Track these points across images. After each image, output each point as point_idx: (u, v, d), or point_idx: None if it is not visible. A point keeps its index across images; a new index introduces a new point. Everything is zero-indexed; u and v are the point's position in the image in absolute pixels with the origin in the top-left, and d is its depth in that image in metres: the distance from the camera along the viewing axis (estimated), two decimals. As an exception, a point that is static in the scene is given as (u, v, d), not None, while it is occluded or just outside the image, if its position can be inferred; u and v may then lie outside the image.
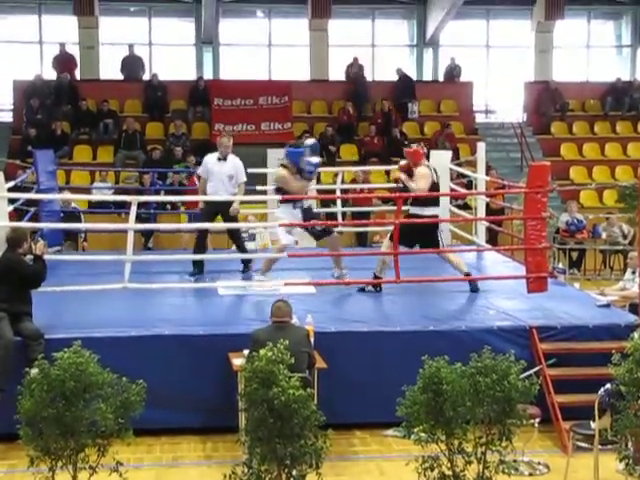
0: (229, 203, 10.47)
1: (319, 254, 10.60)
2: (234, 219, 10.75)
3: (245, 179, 10.85)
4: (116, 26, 21.32)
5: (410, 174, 10.03)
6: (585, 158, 19.67)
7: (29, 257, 8.32)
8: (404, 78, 20.27)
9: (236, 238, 11.10)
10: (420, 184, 9.89)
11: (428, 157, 13.05)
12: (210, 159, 10.83)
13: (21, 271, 8.10)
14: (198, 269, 10.60)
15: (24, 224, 10.58)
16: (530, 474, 7.34)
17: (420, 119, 20.11)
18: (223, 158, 10.69)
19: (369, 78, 21.10)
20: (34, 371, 5.45)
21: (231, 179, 10.63)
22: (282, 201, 9.92)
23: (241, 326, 8.29)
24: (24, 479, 5.39)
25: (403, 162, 10.45)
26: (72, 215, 13.34)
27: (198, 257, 10.62)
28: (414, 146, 10.72)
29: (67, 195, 13.48)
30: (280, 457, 5.21)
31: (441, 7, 20.71)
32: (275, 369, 5.23)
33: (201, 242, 10.92)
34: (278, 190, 10.02)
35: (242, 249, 11.04)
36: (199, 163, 16.96)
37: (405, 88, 20.04)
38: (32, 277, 8.16)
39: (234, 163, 10.76)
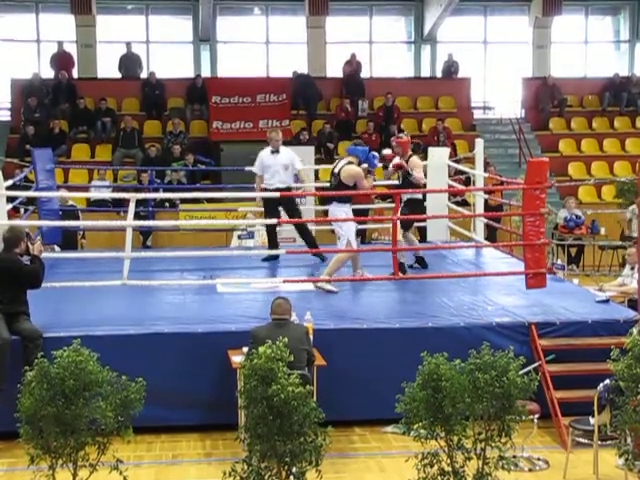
0: (288, 190, 10.92)
1: (318, 250, 10.62)
2: (294, 208, 11.08)
3: (301, 166, 11.37)
4: (113, 24, 21.34)
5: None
6: (583, 154, 19.66)
7: (26, 257, 8.26)
8: (353, 75, 20.06)
9: (301, 231, 11.28)
10: (421, 173, 10.69)
11: (426, 154, 13.15)
12: (264, 154, 11.27)
13: (19, 272, 8.03)
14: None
15: (22, 222, 10.60)
16: (530, 470, 7.35)
17: (418, 115, 20.12)
18: (276, 151, 11.15)
19: (367, 75, 21.13)
20: (31, 374, 5.45)
21: (286, 169, 11.13)
22: (342, 200, 9.85)
23: (240, 324, 8.30)
24: (24, 477, 5.39)
25: (387, 151, 10.86)
26: (70, 213, 13.36)
27: (192, 254, 10.79)
28: (403, 136, 11.09)
29: (64, 193, 13.50)
30: (280, 454, 5.22)
31: (438, 3, 20.70)
32: (274, 366, 5.24)
33: (273, 237, 11.27)
34: (345, 187, 9.85)
35: (309, 242, 11.21)
36: (197, 161, 17.21)
37: (355, 86, 19.87)
38: (30, 277, 8.10)
39: (288, 154, 11.27)
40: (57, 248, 12.58)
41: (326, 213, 10.83)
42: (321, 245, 11.52)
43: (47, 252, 11.23)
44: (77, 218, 13.50)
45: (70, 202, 13.84)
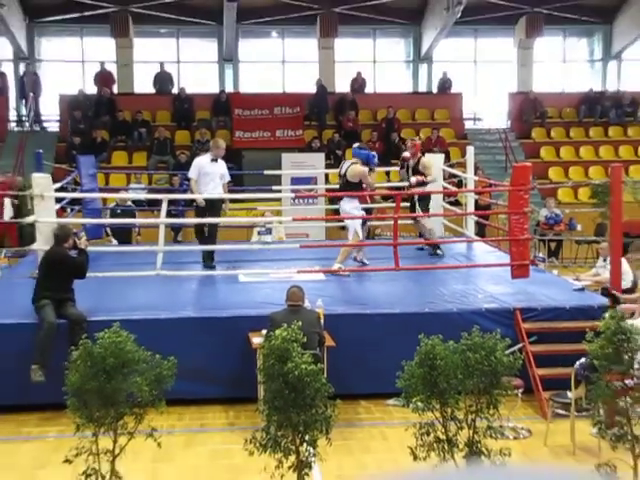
0: (218, 200, 10.47)
1: (328, 245, 10.60)
2: (217, 216, 10.58)
3: (230, 179, 10.91)
4: (148, 46, 21.37)
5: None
6: (562, 160, 19.57)
7: (73, 251, 8.38)
8: (348, 94, 19.83)
9: (212, 235, 10.67)
10: (432, 174, 11.29)
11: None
12: (203, 161, 10.59)
13: (68, 263, 8.19)
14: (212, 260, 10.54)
15: (69, 220, 10.63)
16: (514, 438, 7.34)
17: (416, 126, 20.07)
18: (215, 160, 10.61)
19: (371, 90, 21.08)
20: (76, 353, 5.46)
21: (222, 178, 10.65)
22: (350, 196, 10.05)
23: (260, 309, 8.30)
24: (71, 443, 5.39)
25: (406, 154, 11.43)
26: (129, 212, 13.40)
27: (217, 247, 10.58)
28: (417, 140, 11.69)
29: (123, 195, 13.57)
30: (294, 424, 5.21)
31: (434, 27, 20.64)
32: (290, 347, 5.23)
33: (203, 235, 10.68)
34: (351, 185, 10.11)
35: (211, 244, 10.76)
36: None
37: (348, 101, 19.66)
38: (77, 269, 8.24)
39: (223, 164, 10.79)
40: (114, 241, 12.62)
41: (336, 212, 10.90)
42: (329, 240, 11.49)
43: (106, 245, 11.32)
44: (134, 216, 13.46)
45: (128, 202, 13.83)
